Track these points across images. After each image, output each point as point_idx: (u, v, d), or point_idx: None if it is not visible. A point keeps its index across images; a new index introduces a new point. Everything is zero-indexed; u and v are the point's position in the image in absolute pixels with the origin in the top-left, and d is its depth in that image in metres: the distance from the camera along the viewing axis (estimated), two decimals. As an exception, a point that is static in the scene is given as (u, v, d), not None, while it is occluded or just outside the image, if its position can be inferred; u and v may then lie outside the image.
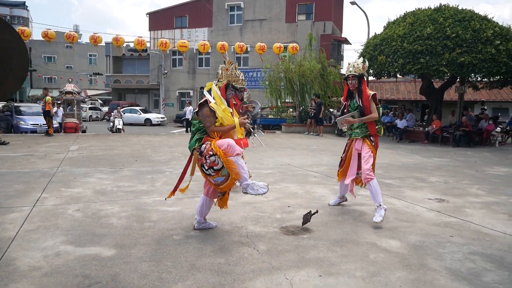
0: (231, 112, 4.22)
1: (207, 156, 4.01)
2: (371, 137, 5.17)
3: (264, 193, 4.06)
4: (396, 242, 4.29)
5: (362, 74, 5.16)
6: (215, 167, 4.01)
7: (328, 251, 3.97)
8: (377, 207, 4.91)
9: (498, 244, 4.33)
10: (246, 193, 4.09)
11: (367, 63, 5.39)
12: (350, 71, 5.21)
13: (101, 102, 47.24)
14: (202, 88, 26.67)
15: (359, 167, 5.28)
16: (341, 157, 5.64)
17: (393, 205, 5.89)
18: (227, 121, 4.11)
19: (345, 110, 5.42)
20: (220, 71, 4.32)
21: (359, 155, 5.24)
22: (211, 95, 4.25)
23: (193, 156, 4.26)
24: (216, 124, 4.11)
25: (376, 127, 5.18)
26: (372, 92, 5.18)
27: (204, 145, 4.08)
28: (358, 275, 3.44)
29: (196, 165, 4.27)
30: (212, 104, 4.10)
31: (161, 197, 6.10)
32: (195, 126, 4.20)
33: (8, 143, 12.69)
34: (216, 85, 4.27)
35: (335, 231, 4.63)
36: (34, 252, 3.81)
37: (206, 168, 4.05)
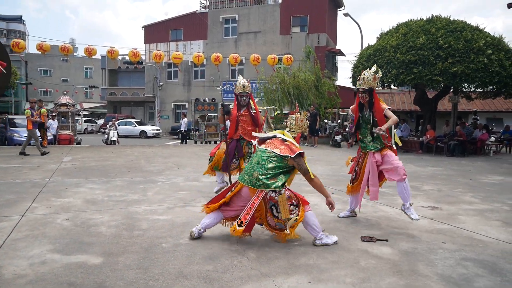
0: None
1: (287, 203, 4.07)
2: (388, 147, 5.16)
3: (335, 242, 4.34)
4: (388, 249, 4.25)
5: (372, 88, 5.11)
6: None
7: (318, 258, 3.92)
8: (410, 205, 4.97)
9: (490, 250, 4.30)
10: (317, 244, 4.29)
11: (379, 73, 5.28)
12: (360, 84, 5.16)
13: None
14: (197, 99, 26.56)
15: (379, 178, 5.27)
16: (355, 170, 5.51)
17: (385, 212, 5.87)
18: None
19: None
20: (293, 122, 4.61)
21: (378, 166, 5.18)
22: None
23: (261, 194, 4.10)
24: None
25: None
26: (387, 107, 5.12)
27: (287, 191, 4.15)
28: (348, 281, 3.39)
29: (259, 202, 4.10)
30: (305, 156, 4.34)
31: (152, 206, 6.05)
32: (281, 167, 4.17)
33: (49, 152, 13.32)
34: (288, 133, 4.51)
35: (326, 238, 4.59)
36: (20, 260, 3.75)
37: (278, 211, 4.09)
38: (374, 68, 5.29)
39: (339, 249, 4.20)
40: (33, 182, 7.93)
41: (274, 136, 4.45)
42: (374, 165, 5.16)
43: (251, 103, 6.72)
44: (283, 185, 4.12)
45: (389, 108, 5.12)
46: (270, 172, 4.10)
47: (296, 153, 4.17)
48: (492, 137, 17.74)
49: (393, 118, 5.02)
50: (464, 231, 5.01)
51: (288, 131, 4.55)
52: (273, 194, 4.08)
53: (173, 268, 3.63)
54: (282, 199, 4.06)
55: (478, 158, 15.04)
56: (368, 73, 5.16)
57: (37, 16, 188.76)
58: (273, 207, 4.10)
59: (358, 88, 5.21)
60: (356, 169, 5.50)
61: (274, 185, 4.06)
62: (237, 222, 4.10)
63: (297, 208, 4.13)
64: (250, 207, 4.07)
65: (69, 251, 4.02)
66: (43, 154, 12.93)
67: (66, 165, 10.54)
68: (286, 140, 4.34)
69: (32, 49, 59.25)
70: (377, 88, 5.38)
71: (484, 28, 16.33)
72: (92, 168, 10.06)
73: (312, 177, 4.21)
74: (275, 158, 4.17)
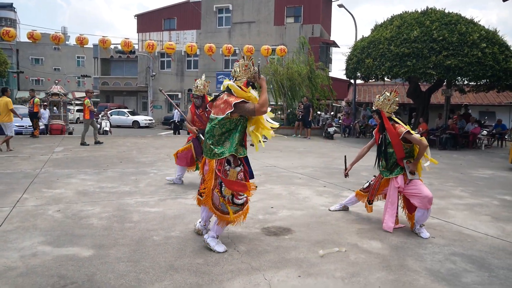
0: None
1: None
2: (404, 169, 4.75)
3: (220, 251, 3.90)
4: (378, 243, 4.29)
5: (379, 110, 4.84)
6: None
7: (308, 252, 3.95)
8: (421, 226, 4.67)
9: (479, 245, 4.35)
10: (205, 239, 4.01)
11: (388, 95, 4.83)
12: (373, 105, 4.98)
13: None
14: (189, 90, 26.45)
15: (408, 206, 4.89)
16: (369, 183, 5.26)
17: (377, 206, 5.87)
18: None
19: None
20: (237, 69, 4.01)
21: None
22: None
23: (220, 166, 3.84)
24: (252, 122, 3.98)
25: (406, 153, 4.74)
26: (405, 130, 4.63)
27: (241, 173, 3.91)
28: (338, 276, 3.42)
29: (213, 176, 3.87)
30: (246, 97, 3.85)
31: (144, 198, 6.04)
32: (230, 129, 3.86)
33: (102, 143, 13.82)
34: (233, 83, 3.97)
35: (316, 232, 4.62)
36: (11, 252, 3.75)
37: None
38: (389, 93, 4.89)
39: (330, 243, 4.23)
40: (24, 172, 7.88)
41: (222, 93, 4.05)
42: (396, 192, 4.78)
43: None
44: (232, 149, 3.83)
45: (408, 132, 4.62)
46: (218, 138, 3.86)
47: (233, 104, 3.79)
48: (484, 131, 17.85)
49: (422, 145, 4.58)
50: (453, 225, 5.06)
51: (234, 81, 4.01)
52: (227, 167, 3.84)
53: (164, 261, 3.64)
54: (232, 174, 3.84)
55: (469, 152, 15.15)
56: (383, 95, 4.87)
57: (27, 4, 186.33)
58: (222, 184, 3.82)
59: (372, 109, 5.12)
60: (371, 182, 5.26)
61: (221, 152, 3.82)
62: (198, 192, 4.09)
63: (245, 195, 3.91)
64: (204, 179, 3.95)
65: (60, 243, 4.01)
66: (83, 143, 13.29)
67: (57, 156, 10.48)
68: (231, 94, 3.92)
69: (23, 37, 58.57)
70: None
71: (479, 21, 16.36)
72: (84, 159, 10.00)
73: (262, 110, 3.78)
74: (220, 122, 3.86)
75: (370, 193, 5.17)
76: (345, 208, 5.66)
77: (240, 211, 3.89)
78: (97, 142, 13.58)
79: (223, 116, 3.83)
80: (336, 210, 5.60)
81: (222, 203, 3.84)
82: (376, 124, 5.16)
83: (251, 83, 3.98)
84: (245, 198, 3.92)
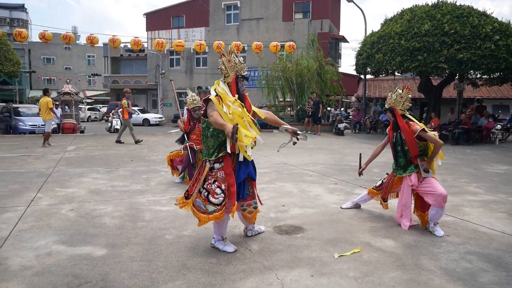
0: (242, 105, 3.82)
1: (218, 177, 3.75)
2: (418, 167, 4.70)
3: (229, 251, 3.86)
4: (391, 242, 4.24)
5: (392, 108, 4.80)
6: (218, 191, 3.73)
7: (321, 251, 3.92)
8: (435, 224, 4.62)
9: (495, 243, 4.26)
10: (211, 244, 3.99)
11: (401, 92, 4.79)
12: (384, 103, 4.92)
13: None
14: (199, 87, 26.53)
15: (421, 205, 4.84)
16: (382, 181, 5.21)
17: (389, 204, 5.84)
18: (237, 115, 3.70)
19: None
20: (223, 66, 3.89)
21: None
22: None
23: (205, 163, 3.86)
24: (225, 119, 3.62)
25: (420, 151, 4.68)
26: (420, 127, 4.57)
27: (219, 164, 3.77)
28: (351, 275, 3.39)
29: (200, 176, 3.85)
30: (213, 97, 3.69)
31: (155, 196, 6.06)
32: (209, 131, 3.78)
33: (142, 141, 13.92)
34: (224, 82, 3.88)
35: (328, 230, 4.58)
36: (26, 251, 3.79)
37: (210, 182, 3.75)
38: (402, 90, 4.83)
39: (342, 242, 4.20)
40: (37, 171, 7.96)
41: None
42: (409, 190, 4.73)
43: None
44: (212, 153, 3.75)
45: (423, 130, 4.56)
46: (204, 140, 3.85)
47: (203, 98, 3.77)
48: (498, 125, 17.58)
49: (437, 143, 4.52)
50: (468, 223, 4.98)
51: (223, 80, 3.91)
52: (206, 164, 3.81)
53: (177, 260, 3.64)
54: (206, 170, 3.77)
55: (483, 147, 14.94)
56: (395, 93, 4.82)
57: (39, 4, 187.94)
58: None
59: (384, 108, 5.03)
60: (383, 180, 5.21)
61: (205, 153, 3.83)
62: (185, 194, 3.90)
63: (223, 195, 3.70)
64: (196, 178, 3.90)
65: (74, 243, 4.05)
66: (137, 142, 13.56)
67: (70, 155, 10.57)
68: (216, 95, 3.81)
69: (35, 37, 58.98)
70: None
71: (491, 13, 16.12)
72: (96, 158, 10.08)
73: (211, 118, 3.56)
74: (203, 124, 3.87)
75: (383, 192, 5.12)
76: (357, 206, 5.61)
77: (218, 211, 3.68)
78: (137, 141, 13.65)
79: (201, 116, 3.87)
80: (348, 208, 5.56)
81: (197, 199, 3.76)
82: (387, 120, 5.11)
83: (240, 76, 3.88)
84: (222, 198, 3.70)
